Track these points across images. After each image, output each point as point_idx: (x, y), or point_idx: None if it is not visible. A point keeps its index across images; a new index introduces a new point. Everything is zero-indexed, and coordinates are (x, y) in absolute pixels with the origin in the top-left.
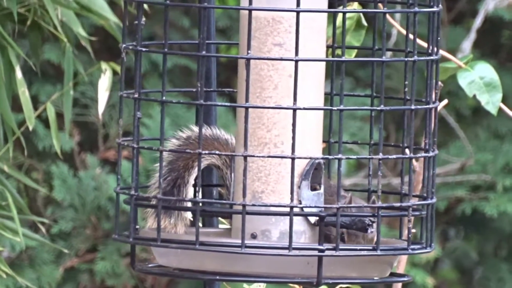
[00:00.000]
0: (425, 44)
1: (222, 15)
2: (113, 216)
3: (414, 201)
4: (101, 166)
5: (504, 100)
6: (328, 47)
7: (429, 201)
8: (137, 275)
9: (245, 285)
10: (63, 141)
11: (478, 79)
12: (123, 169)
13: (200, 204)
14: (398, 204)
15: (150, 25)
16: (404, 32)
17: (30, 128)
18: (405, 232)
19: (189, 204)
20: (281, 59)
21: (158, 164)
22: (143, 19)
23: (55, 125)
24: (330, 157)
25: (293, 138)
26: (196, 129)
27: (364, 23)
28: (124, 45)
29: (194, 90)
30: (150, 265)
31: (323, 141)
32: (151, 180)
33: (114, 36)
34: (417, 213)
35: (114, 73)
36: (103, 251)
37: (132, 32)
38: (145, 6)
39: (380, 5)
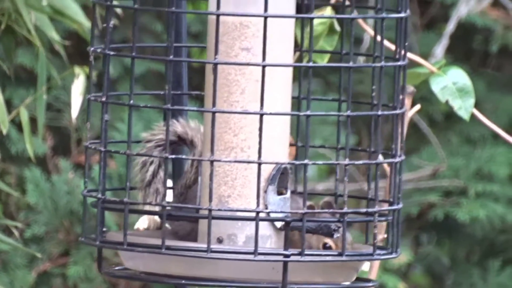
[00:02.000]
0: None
1: (195, 20)
2: (86, 220)
3: (382, 207)
4: (74, 171)
5: (476, 106)
6: (298, 51)
7: (395, 207)
8: (109, 280)
9: None
10: (36, 145)
11: (450, 84)
12: (96, 173)
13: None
14: (364, 210)
15: (122, 29)
16: (376, 36)
17: (4, 132)
18: (371, 238)
19: (156, 208)
20: (248, 64)
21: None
22: (112, 22)
23: (28, 129)
24: (297, 162)
25: (260, 143)
26: (161, 130)
27: (337, 28)
28: (92, 48)
29: (161, 93)
30: (116, 268)
31: (293, 146)
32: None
33: (87, 40)
34: (383, 218)
35: (88, 77)
36: (75, 256)
37: (104, 36)
38: (118, 10)
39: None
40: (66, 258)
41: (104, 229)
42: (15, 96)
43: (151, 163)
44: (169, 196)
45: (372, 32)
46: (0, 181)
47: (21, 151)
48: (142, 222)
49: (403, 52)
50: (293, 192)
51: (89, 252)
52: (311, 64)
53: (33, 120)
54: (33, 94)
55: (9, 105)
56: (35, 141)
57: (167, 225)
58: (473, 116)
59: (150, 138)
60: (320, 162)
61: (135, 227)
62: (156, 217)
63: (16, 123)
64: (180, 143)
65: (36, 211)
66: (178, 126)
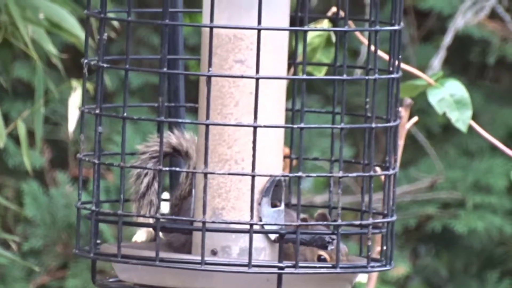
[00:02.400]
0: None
1: (192, 33)
2: (84, 233)
3: (375, 219)
4: (72, 184)
5: (474, 118)
6: (292, 64)
7: (389, 219)
8: None
9: None
10: (34, 159)
11: (448, 96)
12: (90, 185)
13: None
14: (357, 222)
15: (120, 42)
16: (371, 49)
17: (1, 146)
18: (365, 250)
19: (150, 220)
20: (242, 77)
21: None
22: (106, 34)
23: (25, 143)
24: (290, 174)
25: (253, 155)
26: (155, 142)
27: (334, 40)
28: (86, 61)
29: (155, 105)
30: (111, 280)
31: (289, 158)
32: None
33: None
34: (377, 230)
35: (83, 90)
36: (74, 268)
37: (99, 48)
38: (115, 23)
39: (349, 23)
40: (64, 271)
41: (98, 241)
42: (12, 109)
43: (146, 174)
44: (165, 208)
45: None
46: None
47: (19, 165)
48: (141, 235)
49: (397, 64)
50: (287, 205)
51: (87, 265)
52: (304, 76)
53: (30, 133)
54: (30, 107)
55: (7, 119)
56: (32, 154)
57: (161, 236)
58: (470, 128)
59: (145, 150)
60: (314, 174)
61: (133, 239)
62: (151, 229)
63: (14, 137)
64: (175, 154)
65: (34, 224)
66: (173, 138)
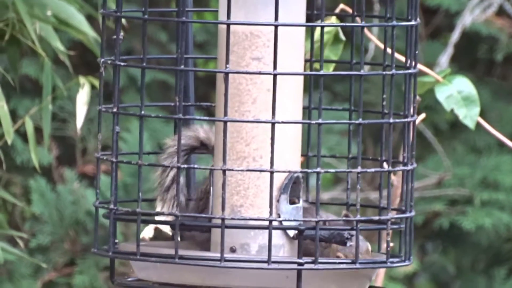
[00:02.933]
0: (403, 58)
1: (200, 30)
2: (92, 230)
3: (393, 215)
4: (79, 181)
5: (482, 114)
6: (306, 61)
7: (407, 215)
8: None
9: None
10: (42, 156)
11: (456, 93)
12: (101, 183)
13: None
14: (377, 218)
15: (128, 40)
16: (382, 46)
17: (9, 143)
18: (384, 245)
19: (168, 218)
20: (260, 73)
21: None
22: (122, 33)
23: (33, 140)
24: (309, 170)
25: (272, 152)
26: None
27: (342, 37)
28: (102, 60)
29: (172, 104)
30: (129, 279)
31: (302, 155)
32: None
33: (92, 50)
34: (395, 226)
35: (92, 87)
36: (81, 265)
37: (110, 47)
38: (123, 20)
39: (358, 19)
40: (72, 268)
41: (116, 240)
42: (20, 107)
43: (172, 168)
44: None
45: (377, 41)
46: (5, 191)
47: (26, 161)
48: (148, 232)
49: (413, 60)
50: (305, 202)
51: (95, 261)
52: (322, 72)
53: (38, 130)
54: (38, 104)
55: (14, 116)
56: (40, 151)
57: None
58: (478, 124)
59: (172, 143)
60: (332, 170)
61: (141, 236)
62: (164, 227)
63: (21, 134)
64: (202, 149)
65: (41, 221)
66: (200, 132)
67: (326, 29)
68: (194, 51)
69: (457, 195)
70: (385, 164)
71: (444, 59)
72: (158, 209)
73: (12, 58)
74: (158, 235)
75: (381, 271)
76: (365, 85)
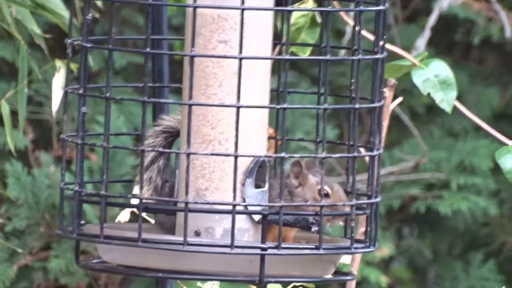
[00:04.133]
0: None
1: (176, 13)
2: (68, 214)
3: (359, 201)
4: (55, 164)
5: (459, 98)
6: (279, 44)
7: (373, 200)
8: (91, 274)
9: (198, 283)
10: (17, 139)
11: (432, 77)
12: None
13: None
14: (341, 203)
15: (104, 23)
16: (356, 30)
17: None
18: (349, 231)
19: (133, 201)
20: (225, 57)
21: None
22: (90, 14)
23: (9, 123)
24: (273, 155)
25: (236, 136)
26: (171, 118)
27: (319, 20)
28: (69, 41)
29: (140, 85)
30: (94, 261)
31: (274, 139)
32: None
33: (68, 34)
34: (361, 212)
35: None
36: (57, 249)
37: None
38: (99, 3)
39: (334, 3)
40: (48, 252)
41: (82, 222)
42: None
43: (152, 150)
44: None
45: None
46: None
47: (2, 145)
48: (124, 215)
49: (382, 45)
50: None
51: (71, 246)
52: (287, 57)
53: (14, 114)
54: (14, 87)
55: None
56: (16, 134)
57: (151, 216)
58: (455, 108)
59: (159, 122)
60: (297, 155)
61: (117, 220)
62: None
63: None
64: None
65: (17, 205)
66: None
67: (303, 12)
68: (170, 34)
69: (433, 179)
70: (362, 149)
71: (421, 42)
72: (135, 190)
73: None
74: (135, 219)
75: (357, 257)
76: (342, 69)
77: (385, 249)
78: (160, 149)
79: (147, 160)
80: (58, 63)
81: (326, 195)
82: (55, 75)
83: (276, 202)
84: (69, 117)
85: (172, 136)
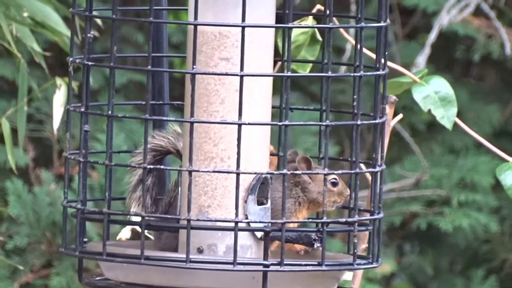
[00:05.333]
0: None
1: (176, 31)
2: (68, 231)
3: (362, 217)
4: (56, 182)
5: (459, 115)
6: (280, 61)
7: (375, 216)
8: None
9: None
10: (18, 157)
11: (433, 93)
12: (75, 184)
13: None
14: (343, 220)
15: (103, 40)
16: (357, 47)
17: None
18: (352, 247)
19: (135, 218)
20: (226, 74)
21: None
22: (91, 32)
23: (10, 141)
24: (276, 172)
25: (238, 153)
26: (173, 127)
27: (319, 38)
28: (71, 59)
29: (143, 103)
30: (97, 279)
31: (276, 156)
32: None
33: (68, 52)
34: (363, 228)
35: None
36: (58, 267)
37: (84, 47)
38: (99, 21)
39: (334, 20)
40: (49, 270)
41: (85, 239)
42: None
43: (138, 168)
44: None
45: (352, 42)
46: None
47: (3, 163)
48: (125, 233)
49: (383, 61)
50: None
51: (72, 263)
52: (289, 74)
53: (15, 132)
54: (14, 105)
55: None
56: (16, 152)
57: (151, 237)
58: (455, 125)
59: (149, 140)
60: (299, 172)
61: (118, 237)
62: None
63: None
64: (176, 154)
65: (18, 223)
66: (174, 137)
67: (303, 30)
68: (170, 52)
69: (434, 196)
70: (362, 166)
71: (421, 59)
72: (128, 208)
73: None
74: (135, 236)
75: (359, 273)
76: (341, 86)
77: (386, 266)
78: (162, 167)
79: (134, 178)
80: (59, 81)
81: (335, 184)
82: (55, 93)
83: (278, 219)
84: (70, 135)
85: (161, 154)
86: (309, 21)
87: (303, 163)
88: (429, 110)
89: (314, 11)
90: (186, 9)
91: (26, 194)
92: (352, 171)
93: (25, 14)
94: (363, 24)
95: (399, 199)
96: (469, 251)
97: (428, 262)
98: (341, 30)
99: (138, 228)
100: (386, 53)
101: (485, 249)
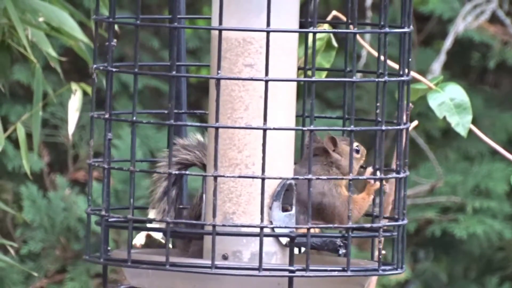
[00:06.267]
0: (396, 66)
1: (192, 36)
2: (83, 236)
3: (385, 222)
4: (71, 187)
5: (474, 122)
6: (299, 68)
7: (400, 222)
8: None
9: None
10: (33, 162)
11: (448, 100)
12: (95, 190)
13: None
14: (369, 225)
15: (120, 46)
16: (375, 53)
17: (0, 149)
18: (376, 253)
19: (160, 225)
20: (251, 79)
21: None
22: (114, 40)
23: (24, 146)
24: (301, 177)
25: (263, 158)
26: (196, 136)
27: (334, 44)
28: (95, 66)
29: (165, 111)
30: (122, 287)
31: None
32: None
33: (83, 57)
34: (388, 234)
35: (84, 94)
36: (72, 272)
37: (102, 53)
38: (116, 27)
39: (351, 26)
40: (63, 275)
41: (108, 247)
42: (12, 113)
43: (164, 180)
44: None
45: (369, 48)
46: None
47: (18, 168)
48: (140, 239)
49: (406, 67)
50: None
51: (86, 268)
52: (314, 78)
53: (29, 137)
54: (29, 110)
55: (6, 122)
56: (31, 157)
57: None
58: (470, 132)
59: (175, 153)
60: (324, 177)
61: (133, 243)
62: (156, 234)
63: (13, 140)
64: (199, 166)
65: (33, 228)
66: (199, 150)
67: (318, 36)
68: (187, 58)
69: (449, 203)
70: (378, 172)
71: (437, 66)
72: (150, 217)
73: (3, 64)
74: (150, 242)
75: (373, 279)
76: (358, 92)
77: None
78: (188, 172)
79: (159, 191)
80: (74, 86)
81: (358, 151)
82: (70, 98)
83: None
84: (90, 142)
85: (185, 167)
86: (325, 26)
87: (330, 142)
88: (444, 117)
89: (329, 17)
90: (206, 18)
91: (41, 199)
92: (377, 177)
93: (41, 19)
94: (387, 29)
95: (413, 205)
96: (484, 258)
97: (442, 269)
98: (358, 36)
99: (155, 235)
100: (410, 59)
101: (500, 256)
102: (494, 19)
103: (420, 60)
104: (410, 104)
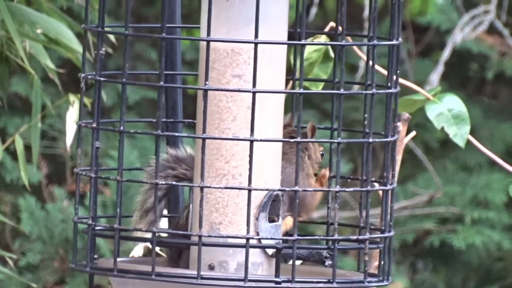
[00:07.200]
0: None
1: (189, 48)
2: (81, 248)
3: (373, 234)
4: (69, 199)
5: (472, 133)
6: (292, 79)
7: (386, 234)
8: None
9: None
10: (31, 174)
11: (446, 111)
12: (87, 200)
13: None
14: (354, 237)
15: (117, 57)
16: (369, 64)
17: None
18: (362, 265)
19: (146, 235)
20: (238, 91)
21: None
22: (103, 48)
23: (23, 158)
24: (287, 189)
25: (250, 169)
26: (184, 149)
27: (332, 55)
28: (83, 75)
29: (154, 120)
30: None
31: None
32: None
33: (81, 68)
34: (374, 246)
35: (80, 104)
36: (71, 284)
37: (96, 63)
38: (112, 38)
39: (348, 38)
40: (61, 286)
41: (95, 256)
42: (10, 125)
43: (153, 191)
44: (164, 224)
45: (365, 59)
46: None
47: (16, 180)
48: (138, 250)
49: (395, 79)
50: None
51: (84, 280)
52: (301, 91)
53: (28, 148)
54: (28, 122)
55: (4, 134)
56: (29, 169)
57: (160, 252)
58: (468, 143)
59: (175, 166)
60: (310, 189)
61: (131, 254)
62: (149, 245)
63: (11, 151)
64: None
65: (31, 240)
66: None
67: (316, 47)
68: (184, 69)
69: (447, 213)
70: (376, 184)
71: (435, 77)
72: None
73: (1, 76)
74: (148, 254)
75: None
76: (354, 104)
77: (399, 283)
78: (174, 182)
79: (148, 202)
80: (72, 97)
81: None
82: (68, 110)
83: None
84: (82, 152)
85: (180, 180)
86: (322, 38)
87: (310, 131)
88: (442, 128)
89: (327, 28)
90: (197, 27)
91: (39, 211)
92: (364, 189)
93: (39, 31)
94: (375, 42)
95: (412, 216)
96: (482, 268)
97: (441, 280)
98: (355, 47)
99: (150, 246)
100: (398, 71)
101: (498, 266)
102: (492, 30)
103: (418, 71)
104: (408, 115)
